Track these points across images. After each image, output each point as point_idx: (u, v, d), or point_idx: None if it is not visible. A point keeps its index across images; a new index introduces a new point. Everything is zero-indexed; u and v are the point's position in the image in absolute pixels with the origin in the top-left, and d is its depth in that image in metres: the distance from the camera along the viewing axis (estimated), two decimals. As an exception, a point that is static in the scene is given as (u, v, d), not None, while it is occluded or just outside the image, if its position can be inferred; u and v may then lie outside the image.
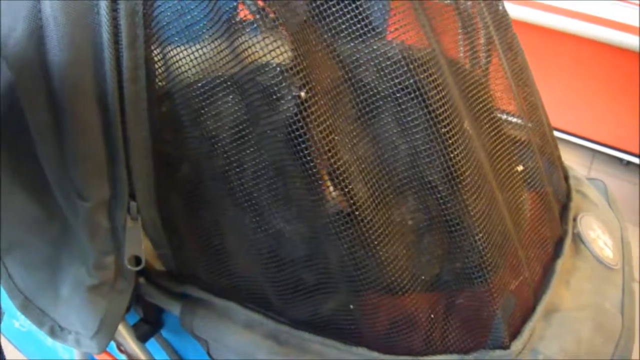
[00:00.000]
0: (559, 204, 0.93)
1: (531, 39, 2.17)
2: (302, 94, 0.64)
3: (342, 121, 0.68)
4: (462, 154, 0.68)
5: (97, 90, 0.68)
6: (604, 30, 2.23)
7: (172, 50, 0.70)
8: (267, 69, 0.65)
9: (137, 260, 0.78)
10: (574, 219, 0.94)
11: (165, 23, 0.69)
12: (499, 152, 0.78)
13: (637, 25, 2.20)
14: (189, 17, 0.67)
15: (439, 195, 0.69)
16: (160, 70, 0.72)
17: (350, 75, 0.67)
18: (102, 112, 0.69)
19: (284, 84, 0.64)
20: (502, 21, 0.88)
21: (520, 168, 0.82)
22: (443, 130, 0.67)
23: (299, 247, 0.74)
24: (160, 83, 0.73)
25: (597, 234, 0.94)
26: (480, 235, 0.68)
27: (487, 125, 0.78)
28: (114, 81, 0.68)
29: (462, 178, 0.68)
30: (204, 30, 0.67)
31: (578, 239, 0.91)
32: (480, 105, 0.78)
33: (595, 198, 1.03)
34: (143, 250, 0.78)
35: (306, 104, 0.64)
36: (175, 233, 0.83)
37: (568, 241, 0.88)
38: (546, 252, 0.84)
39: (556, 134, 0.97)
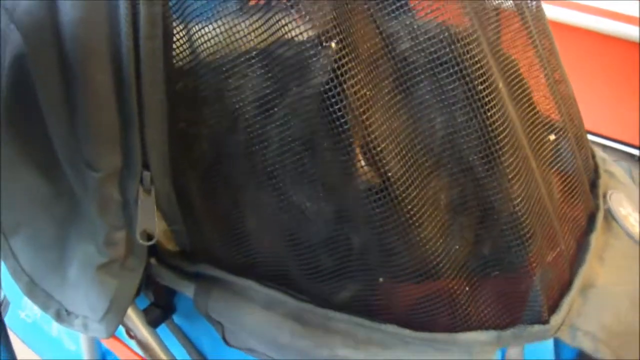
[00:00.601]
0: (588, 180, 0.90)
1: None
2: (333, 45, 0.61)
3: (378, 92, 0.65)
4: (504, 132, 0.65)
5: (111, 49, 0.65)
6: (604, 21, 2.21)
7: (194, 26, 0.68)
8: (295, 42, 0.62)
9: (148, 236, 0.75)
10: (604, 196, 0.90)
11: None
12: (532, 119, 0.75)
13: (638, 15, 2.17)
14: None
15: (476, 176, 0.67)
16: (180, 49, 0.70)
17: (389, 45, 0.65)
18: (115, 73, 0.66)
19: (318, 51, 0.62)
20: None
21: (552, 137, 0.78)
22: (484, 107, 0.64)
23: (321, 229, 0.71)
24: (180, 63, 0.71)
25: (627, 211, 0.91)
26: (519, 200, 0.64)
27: (519, 91, 0.74)
28: (129, 38, 0.64)
29: (503, 159, 0.65)
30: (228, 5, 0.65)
31: (609, 215, 0.87)
32: (514, 77, 0.75)
33: (622, 177, 1.00)
34: (156, 224, 0.74)
35: (343, 74, 0.61)
36: (190, 209, 0.80)
37: (600, 216, 0.84)
38: (579, 226, 0.81)
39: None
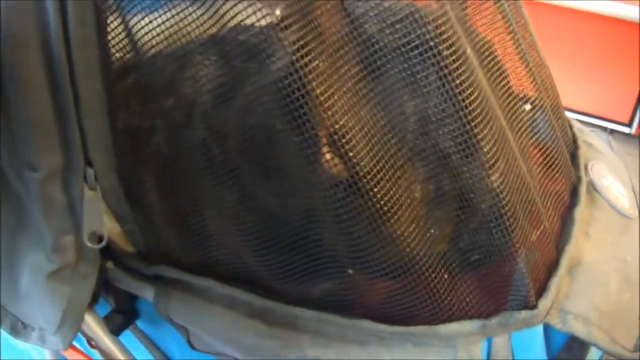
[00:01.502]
0: (568, 152, 0.85)
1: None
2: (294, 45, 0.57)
3: (344, 79, 0.60)
4: (480, 115, 0.60)
5: (41, 38, 0.60)
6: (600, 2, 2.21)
7: (134, 19, 0.64)
8: (252, 28, 0.58)
9: (99, 239, 0.71)
10: (585, 168, 0.85)
11: None
12: (505, 87, 0.70)
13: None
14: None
15: (453, 164, 0.62)
16: (121, 42, 0.66)
17: (356, 28, 0.60)
18: (46, 63, 0.61)
19: (274, 39, 0.57)
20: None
21: (527, 107, 0.74)
22: (458, 88, 0.59)
23: (287, 225, 0.66)
24: (119, 54, 0.66)
25: (609, 181, 0.87)
26: (497, 176, 0.59)
27: (491, 64, 0.69)
28: (57, 24, 0.59)
29: (479, 138, 0.60)
30: None
31: (591, 187, 0.83)
32: (486, 52, 0.70)
33: (601, 147, 0.96)
34: (104, 225, 0.70)
35: (303, 60, 0.57)
36: (143, 206, 0.75)
37: (583, 189, 0.80)
38: (562, 201, 0.77)
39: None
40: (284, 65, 0.57)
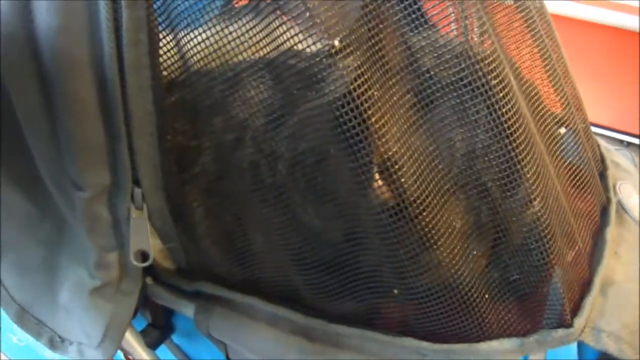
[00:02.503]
0: (598, 173, 0.87)
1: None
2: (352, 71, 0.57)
3: (398, 108, 0.61)
4: (527, 157, 0.62)
5: (93, 58, 0.61)
6: (601, 11, 2.21)
7: (185, 35, 0.65)
8: (308, 54, 0.58)
9: (143, 256, 0.71)
10: (613, 188, 0.87)
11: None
12: (541, 112, 0.72)
13: (637, 5, 2.17)
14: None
15: (494, 202, 0.64)
16: (170, 59, 0.67)
17: (412, 61, 0.61)
18: (98, 84, 0.61)
19: (332, 66, 0.57)
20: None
21: (562, 131, 0.75)
22: (508, 131, 0.61)
23: (330, 247, 0.68)
24: (167, 72, 0.68)
25: (636, 201, 0.88)
26: (538, 200, 0.61)
27: (529, 88, 0.72)
28: (112, 45, 0.60)
29: (524, 171, 0.62)
30: (223, 9, 0.62)
31: (620, 207, 0.84)
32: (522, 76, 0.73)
33: (628, 167, 0.97)
34: (150, 244, 0.70)
35: (360, 89, 0.57)
36: (187, 225, 0.76)
37: (613, 210, 0.81)
38: (594, 221, 0.78)
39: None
40: (341, 92, 0.58)
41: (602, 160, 0.91)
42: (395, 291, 0.65)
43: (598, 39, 2.30)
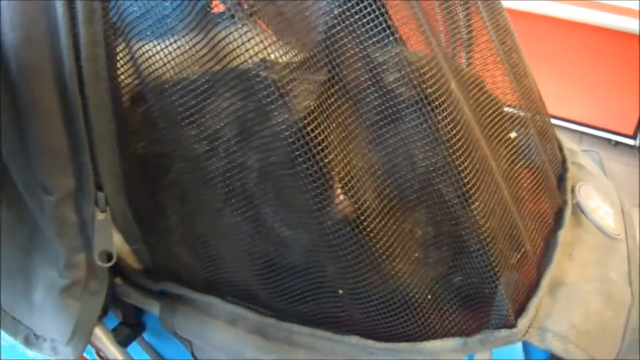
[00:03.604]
0: (555, 175, 0.88)
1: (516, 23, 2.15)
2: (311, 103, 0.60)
3: (361, 123, 0.64)
4: (462, 149, 0.64)
5: (55, 71, 0.64)
6: (588, 12, 2.22)
7: (145, 46, 0.67)
8: (272, 64, 0.60)
9: (108, 257, 0.74)
10: (572, 190, 0.88)
11: (128, 15, 0.65)
12: (491, 118, 0.73)
13: (626, 6, 2.19)
14: (155, 9, 0.63)
15: (453, 214, 0.66)
16: (129, 73, 0.69)
17: (376, 75, 0.63)
18: (61, 95, 0.65)
19: (293, 81, 0.60)
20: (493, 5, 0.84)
21: (513, 135, 0.77)
22: (440, 124, 0.63)
23: (298, 255, 0.70)
24: (128, 85, 0.70)
25: (597, 203, 0.89)
26: (477, 204, 0.63)
27: (478, 94, 0.73)
28: (71, 59, 0.63)
29: (461, 176, 0.64)
30: (179, 23, 0.63)
31: (578, 209, 0.86)
32: (474, 83, 0.74)
33: (592, 168, 0.99)
34: (114, 245, 0.74)
35: (326, 100, 0.61)
36: (154, 228, 0.79)
37: (568, 212, 0.83)
38: (546, 224, 0.80)
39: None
40: (306, 109, 0.60)
41: (563, 162, 0.93)
42: (340, 291, 0.67)
43: (604, 42, 2.31)
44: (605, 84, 2.41)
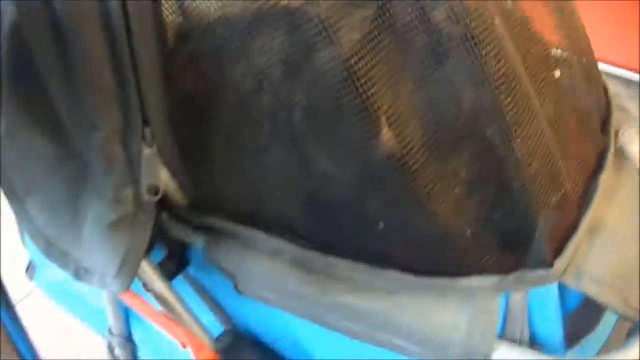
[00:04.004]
0: (599, 117, 0.87)
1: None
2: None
3: (409, 61, 0.64)
4: (505, 85, 0.64)
5: (100, 8, 0.66)
6: None
7: None
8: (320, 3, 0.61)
9: (155, 191, 0.76)
10: (616, 134, 0.87)
11: None
12: (536, 56, 0.73)
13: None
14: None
15: (497, 156, 0.66)
16: (174, 8, 0.70)
17: (425, 14, 0.63)
18: (106, 32, 0.67)
19: (349, 13, 0.61)
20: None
21: (557, 73, 0.76)
22: (483, 59, 0.63)
23: (342, 190, 0.71)
24: (174, 16, 0.71)
25: (638, 148, 0.88)
26: (518, 141, 0.63)
27: (523, 31, 0.72)
28: None
29: (503, 113, 0.65)
30: None
31: (621, 153, 0.85)
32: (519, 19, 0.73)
33: (637, 112, 0.97)
34: (161, 179, 0.76)
35: (374, 38, 0.61)
36: (196, 162, 0.80)
37: (611, 155, 0.82)
38: (588, 167, 0.79)
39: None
40: (352, 44, 0.61)
41: (607, 105, 0.92)
42: (381, 225, 0.69)
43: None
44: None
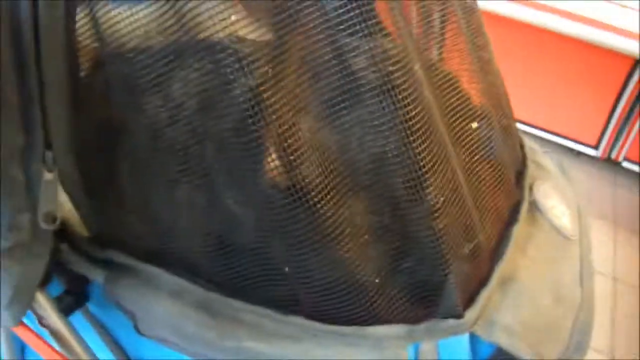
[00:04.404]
0: (514, 171, 0.88)
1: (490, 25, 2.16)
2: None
3: (319, 98, 0.64)
4: (420, 131, 0.63)
5: (11, 16, 0.62)
6: (559, 20, 2.24)
7: (109, 9, 0.65)
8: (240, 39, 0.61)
9: (53, 220, 0.72)
10: (530, 187, 0.89)
11: None
12: (454, 106, 0.73)
13: (589, 16, 2.21)
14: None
15: (399, 205, 0.65)
16: (89, 32, 0.67)
17: (344, 60, 0.63)
18: (15, 42, 0.63)
19: (252, 55, 0.60)
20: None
21: (474, 125, 0.77)
22: (400, 104, 0.62)
23: (247, 232, 0.69)
24: (86, 43, 0.68)
25: (553, 202, 0.90)
26: (431, 189, 0.62)
27: (442, 81, 0.73)
28: (29, 4, 0.61)
29: (418, 159, 0.64)
30: None
31: (534, 206, 0.86)
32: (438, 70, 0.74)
33: (551, 168, 0.99)
34: (60, 207, 0.72)
35: (280, 73, 0.60)
36: (100, 193, 0.77)
37: (524, 208, 0.83)
38: (501, 218, 0.80)
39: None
40: (262, 75, 0.60)
41: (523, 159, 0.93)
42: (287, 269, 0.66)
43: (573, 52, 2.33)
44: (570, 92, 2.43)
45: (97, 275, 0.81)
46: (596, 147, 2.48)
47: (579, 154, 2.54)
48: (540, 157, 0.98)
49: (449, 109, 0.72)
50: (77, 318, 0.88)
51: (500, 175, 0.80)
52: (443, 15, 0.77)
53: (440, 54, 0.79)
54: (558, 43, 2.29)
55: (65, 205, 0.76)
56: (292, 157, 0.62)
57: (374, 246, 0.66)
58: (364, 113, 0.63)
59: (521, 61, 2.42)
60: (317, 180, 0.62)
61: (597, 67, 2.28)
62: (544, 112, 2.51)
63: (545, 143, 2.56)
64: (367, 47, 0.61)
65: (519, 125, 2.43)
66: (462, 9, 0.82)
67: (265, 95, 0.59)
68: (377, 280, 0.65)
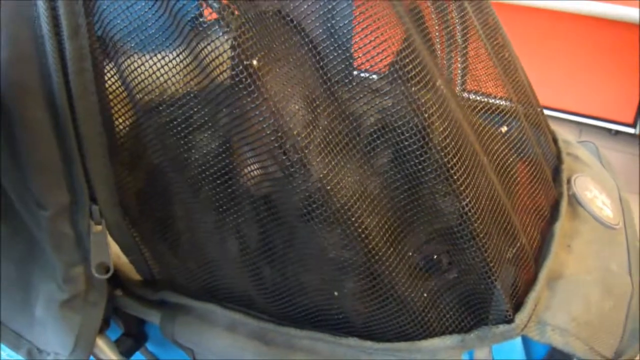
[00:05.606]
0: (550, 167, 0.88)
1: (507, 15, 2.14)
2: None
3: (352, 149, 0.64)
4: (450, 146, 0.64)
5: (44, 87, 0.65)
6: (586, 2, 2.22)
7: (132, 59, 0.66)
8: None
9: (106, 269, 0.75)
10: (568, 181, 0.88)
11: (112, 28, 0.65)
12: (481, 112, 0.73)
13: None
14: (138, 23, 0.63)
15: (445, 211, 0.66)
16: (117, 87, 0.70)
17: (357, 127, 0.64)
18: (51, 110, 0.66)
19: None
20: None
21: (504, 129, 0.77)
22: (427, 122, 0.62)
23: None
24: (118, 91, 0.70)
25: (593, 194, 0.89)
26: (467, 201, 0.63)
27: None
28: (59, 75, 0.64)
29: (451, 173, 0.64)
30: (164, 36, 0.62)
31: (574, 200, 0.86)
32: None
33: (588, 159, 0.98)
34: (111, 257, 0.74)
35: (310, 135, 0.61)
36: (148, 238, 0.79)
37: (564, 204, 0.83)
38: (543, 217, 0.79)
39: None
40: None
41: (558, 154, 0.93)
42: (336, 293, 0.68)
43: (601, 32, 2.30)
44: (603, 73, 2.40)
45: (152, 317, 0.84)
46: (634, 125, 2.44)
47: (617, 133, 2.50)
48: (575, 149, 0.98)
49: (475, 117, 0.72)
50: (137, 358, 0.91)
51: (536, 175, 0.80)
52: (463, 19, 0.78)
53: (464, 62, 0.79)
54: (579, 25, 2.27)
55: (115, 251, 0.78)
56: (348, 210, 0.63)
57: (414, 250, 0.67)
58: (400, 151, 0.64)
59: (547, 47, 2.40)
60: (376, 226, 0.64)
61: (627, 44, 2.25)
62: (577, 96, 2.48)
63: (582, 127, 2.52)
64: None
65: (552, 113, 2.43)
66: (476, 10, 0.82)
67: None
68: (425, 295, 0.66)
